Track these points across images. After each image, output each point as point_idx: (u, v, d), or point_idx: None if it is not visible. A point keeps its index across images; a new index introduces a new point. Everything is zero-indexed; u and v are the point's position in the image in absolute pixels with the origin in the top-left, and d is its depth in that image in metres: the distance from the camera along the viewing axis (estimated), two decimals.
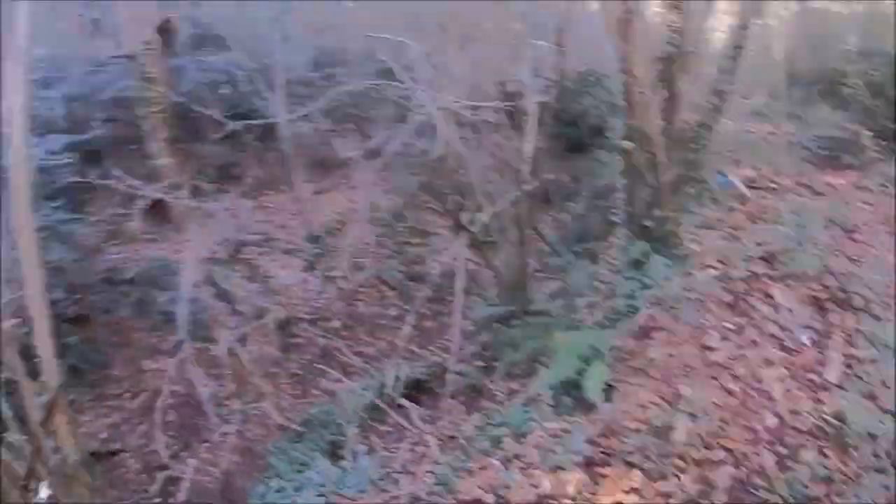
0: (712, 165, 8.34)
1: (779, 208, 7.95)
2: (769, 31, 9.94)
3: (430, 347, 9.52)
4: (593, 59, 13.75)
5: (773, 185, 8.71)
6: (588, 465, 5.28)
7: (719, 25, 9.15)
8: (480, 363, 8.68)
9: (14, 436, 5.19)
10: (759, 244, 7.09)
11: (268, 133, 11.63)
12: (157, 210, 10.50)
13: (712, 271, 6.82)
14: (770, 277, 6.63)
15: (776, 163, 9.45)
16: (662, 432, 5.29)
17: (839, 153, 10.23)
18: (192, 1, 11.50)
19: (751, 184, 8.90)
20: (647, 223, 6.94)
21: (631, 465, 5.16)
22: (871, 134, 10.21)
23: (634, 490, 5.00)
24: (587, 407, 5.82)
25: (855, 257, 6.98)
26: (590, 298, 7.71)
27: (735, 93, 8.50)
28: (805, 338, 5.98)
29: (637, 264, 7.12)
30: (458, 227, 9.39)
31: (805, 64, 12.62)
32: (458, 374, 8.27)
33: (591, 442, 5.45)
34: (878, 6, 11.35)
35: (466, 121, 9.89)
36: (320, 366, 9.20)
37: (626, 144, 6.74)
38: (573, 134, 14.07)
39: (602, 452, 5.34)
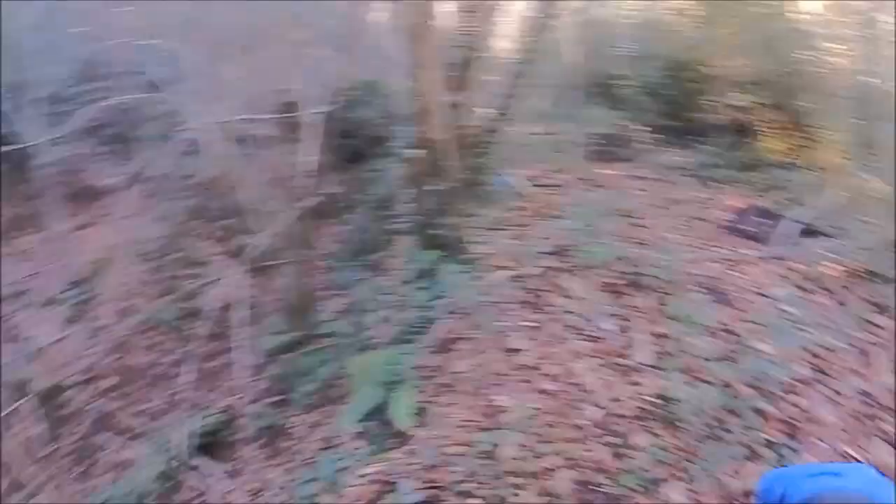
0: (497, 168, 8.25)
1: (562, 203, 8.10)
2: (553, 37, 10.07)
3: (219, 391, 8.47)
4: (378, 67, 13.37)
5: (555, 182, 8.80)
6: None
7: (505, 30, 9.10)
8: (275, 398, 7.76)
9: None
10: (547, 239, 7.11)
11: (23, 161, 9.64)
12: None
13: (505, 272, 6.63)
14: (563, 271, 6.62)
15: (557, 161, 9.65)
16: (489, 451, 4.94)
17: (614, 148, 10.82)
18: None
19: (534, 182, 8.96)
20: (435, 231, 6.59)
21: (466, 495, 4.73)
22: (643, 129, 10.99)
23: None
24: (403, 438, 5.35)
25: (640, 241, 7.20)
26: (381, 313, 7.20)
27: (522, 97, 8.53)
28: (608, 325, 5.97)
29: (427, 273, 6.78)
30: (236, 253, 8.46)
31: (585, 68, 13.22)
32: (253, 416, 7.36)
33: (415, 478, 4.94)
34: (651, 14, 12.29)
35: (241, 136, 9.03)
36: (99, 436, 7.78)
37: (412, 153, 6.33)
38: (353, 144, 13.59)
39: (431, 487, 4.85)
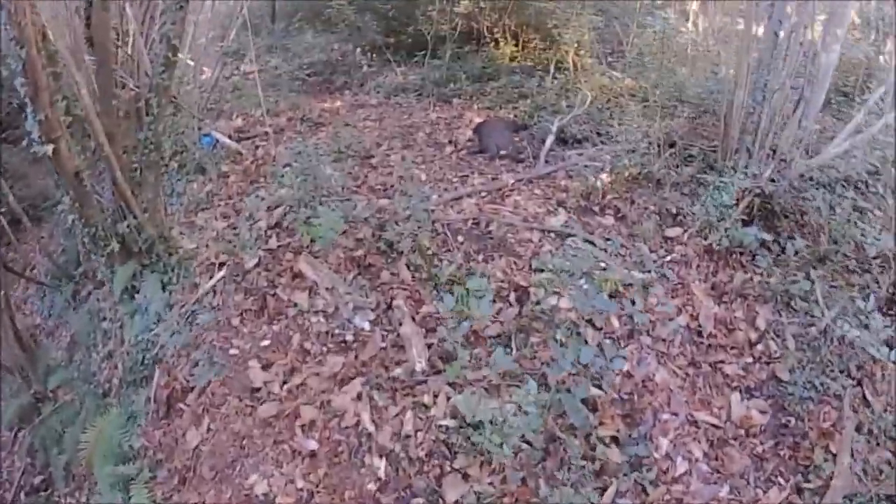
0: (188, 129, 6.41)
1: (281, 155, 6.35)
2: None
3: None
4: None
5: (267, 130, 7.02)
6: None
7: None
8: (38, 479, 5.95)
9: None
10: (267, 210, 5.46)
11: None
12: None
13: (221, 270, 4.97)
14: (293, 250, 5.05)
15: (266, 103, 7.93)
16: None
17: (332, 76, 9.28)
18: None
19: (242, 135, 7.24)
20: (120, 240, 4.74)
21: None
22: (367, 51, 9.52)
23: None
24: None
25: (380, 188, 5.79)
26: (104, 349, 5.49)
27: (195, 36, 6.73)
28: (362, 321, 4.50)
29: (132, 292, 5.01)
30: None
31: None
32: None
33: None
34: None
35: None
36: None
37: (48, 148, 4.31)
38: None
39: None
